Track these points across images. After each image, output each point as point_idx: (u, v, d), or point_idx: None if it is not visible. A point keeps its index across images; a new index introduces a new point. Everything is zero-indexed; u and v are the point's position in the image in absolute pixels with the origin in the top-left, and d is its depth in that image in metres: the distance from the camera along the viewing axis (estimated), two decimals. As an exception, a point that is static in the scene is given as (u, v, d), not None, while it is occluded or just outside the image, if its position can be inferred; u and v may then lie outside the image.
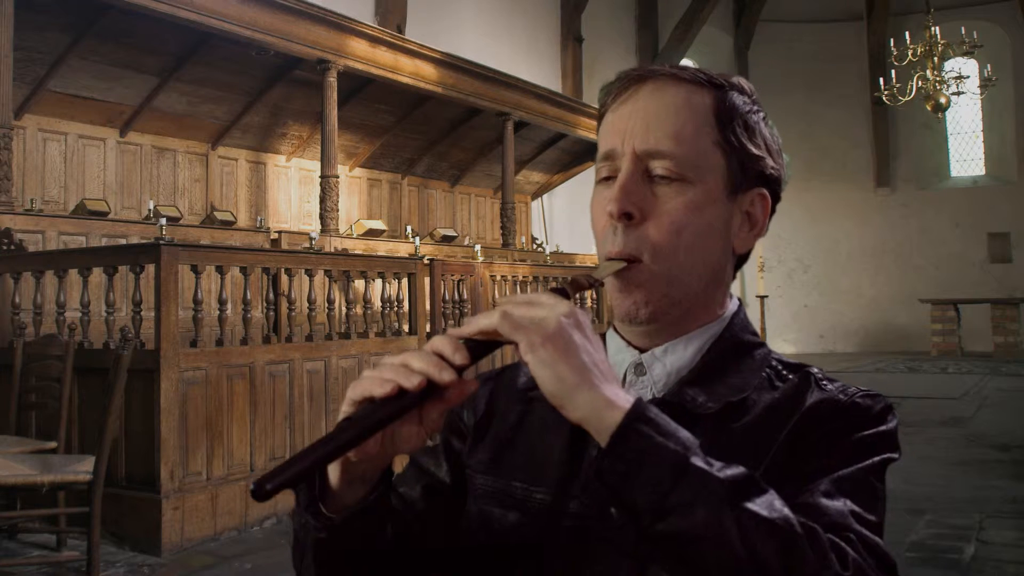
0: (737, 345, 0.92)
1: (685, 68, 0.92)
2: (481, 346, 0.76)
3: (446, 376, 0.73)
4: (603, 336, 0.97)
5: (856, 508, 0.78)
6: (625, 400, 0.73)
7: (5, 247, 5.06)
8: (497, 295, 7.27)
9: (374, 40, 7.84)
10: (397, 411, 0.73)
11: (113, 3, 5.94)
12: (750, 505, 0.70)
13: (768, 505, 0.71)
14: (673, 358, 0.90)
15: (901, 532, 4.17)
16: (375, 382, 0.74)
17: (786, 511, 0.72)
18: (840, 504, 0.77)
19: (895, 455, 0.84)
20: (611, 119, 0.91)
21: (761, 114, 0.93)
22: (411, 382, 0.73)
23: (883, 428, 0.84)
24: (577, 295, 0.84)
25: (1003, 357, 14.04)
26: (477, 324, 0.76)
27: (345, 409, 0.76)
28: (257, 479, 0.68)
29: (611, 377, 0.75)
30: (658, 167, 0.87)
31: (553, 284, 7.98)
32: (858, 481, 0.80)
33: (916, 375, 12.11)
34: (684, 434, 0.73)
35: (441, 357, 0.75)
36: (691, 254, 0.88)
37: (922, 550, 4.04)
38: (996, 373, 11.82)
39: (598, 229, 0.91)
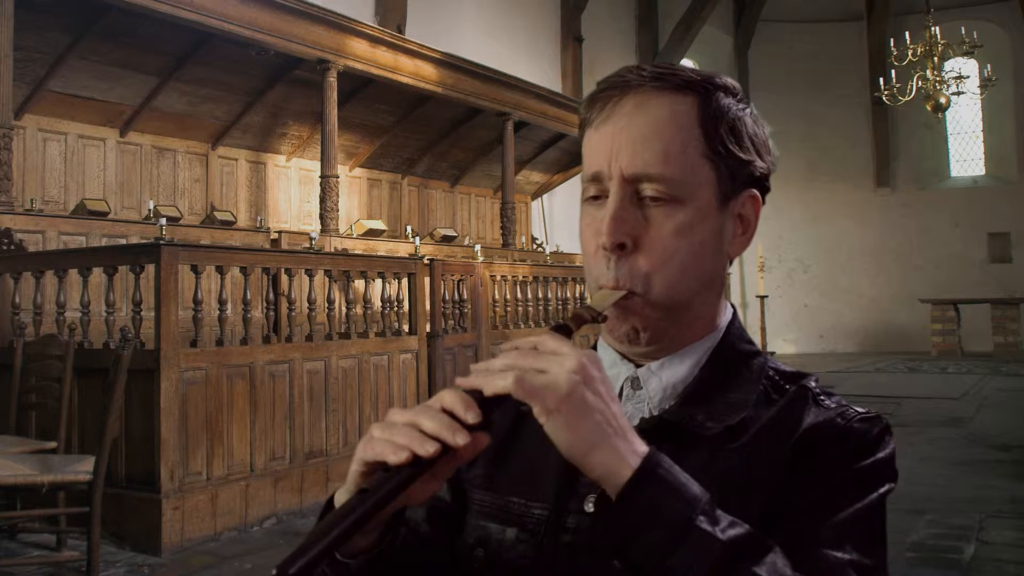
0: (735, 357, 0.91)
1: (665, 74, 0.88)
2: (492, 403, 0.74)
3: (460, 440, 0.72)
4: (593, 348, 0.96)
5: (855, 557, 0.78)
6: (636, 456, 0.73)
7: (5, 247, 5.06)
8: (497, 295, 7.27)
9: (374, 40, 7.84)
10: (411, 477, 0.73)
11: (113, 3, 5.94)
12: (754, 568, 0.71)
13: (771, 567, 0.72)
14: (669, 372, 0.90)
15: (901, 532, 4.16)
16: (388, 447, 0.72)
17: (788, 573, 0.72)
18: (840, 554, 0.77)
19: (893, 484, 0.84)
20: (595, 138, 0.90)
21: (747, 110, 0.91)
22: (425, 450, 0.71)
23: (881, 455, 0.84)
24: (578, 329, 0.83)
25: (1003, 357, 14.05)
26: (490, 385, 0.73)
27: (355, 468, 0.75)
28: (279, 564, 0.67)
29: (624, 430, 0.74)
30: (648, 189, 0.86)
31: (554, 284, 7.99)
32: (858, 523, 0.80)
33: (916, 375, 12.11)
34: (692, 491, 0.73)
35: (453, 416, 0.73)
36: (686, 275, 0.87)
37: (922, 550, 4.04)
38: (996, 373, 11.82)
39: (589, 253, 0.90)
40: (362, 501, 0.72)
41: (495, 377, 0.73)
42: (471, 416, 0.73)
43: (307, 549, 0.68)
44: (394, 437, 0.73)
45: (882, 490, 0.83)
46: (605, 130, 0.89)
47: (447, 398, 0.74)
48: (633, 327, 0.88)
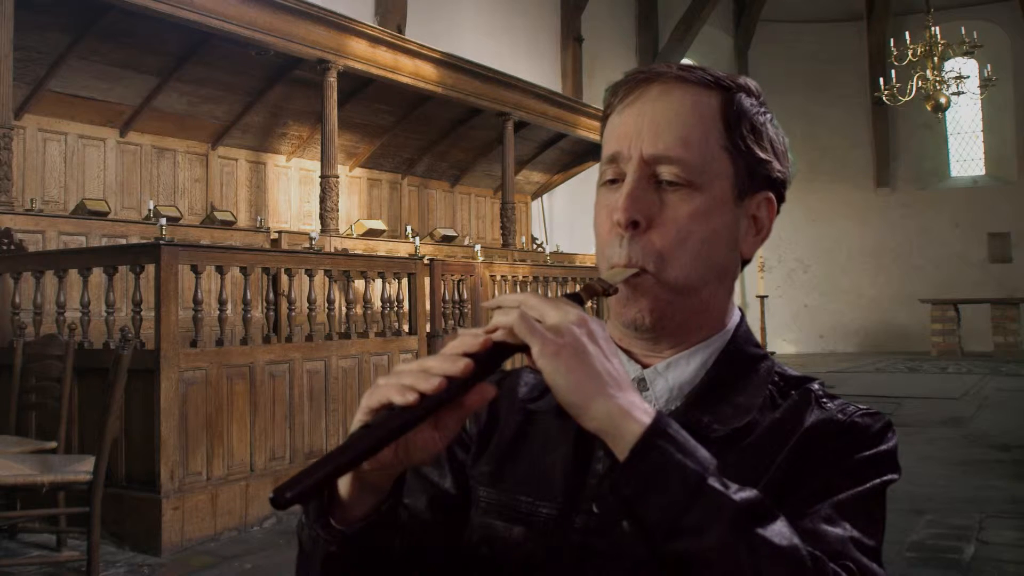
0: (742, 359, 0.91)
1: (692, 69, 0.90)
2: (496, 350, 0.75)
3: (460, 364, 0.73)
4: None
5: (856, 535, 0.78)
6: (643, 412, 0.73)
7: (5, 247, 5.06)
8: (497, 295, 7.26)
9: (374, 40, 7.84)
10: (417, 417, 0.72)
11: (113, 3, 5.94)
12: (762, 531, 0.70)
13: (779, 532, 0.71)
14: (675, 373, 0.90)
15: (901, 532, 4.16)
16: (394, 389, 0.73)
17: (795, 540, 0.72)
18: (840, 531, 0.77)
19: (895, 476, 0.84)
20: (617, 121, 0.90)
21: (768, 115, 0.92)
22: (431, 384, 0.72)
23: (883, 448, 0.84)
24: (589, 301, 0.84)
25: (1003, 357, 14.04)
26: (494, 320, 0.75)
27: (360, 417, 0.75)
28: (277, 487, 0.67)
29: (626, 385, 0.74)
30: (665, 173, 0.86)
31: (554, 284, 8.00)
32: (859, 505, 0.80)
33: (916, 375, 12.11)
34: (702, 453, 0.73)
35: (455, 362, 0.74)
36: (697, 261, 0.87)
37: (922, 550, 4.03)
38: (996, 373, 11.82)
39: (602, 233, 0.90)
40: (365, 435, 0.71)
41: (501, 314, 0.75)
42: (476, 346, 0.74)
43: (306, 477, 0.68)
44: (400, 380, 0.74)
45: (884, 478, 0.83)
46: (628, 113, 0.89)
47: (452, 343, 0.76)
48: (640, 310, 0.87)
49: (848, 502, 0.79)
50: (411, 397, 0.72)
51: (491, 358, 0.75)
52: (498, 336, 0.75)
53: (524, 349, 0.74)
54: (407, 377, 0.73)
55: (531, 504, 0.89)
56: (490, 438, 0.96)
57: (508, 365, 0.95)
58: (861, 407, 0.87)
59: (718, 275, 0.90)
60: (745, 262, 0.94)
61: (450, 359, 0.74)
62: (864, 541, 0.78)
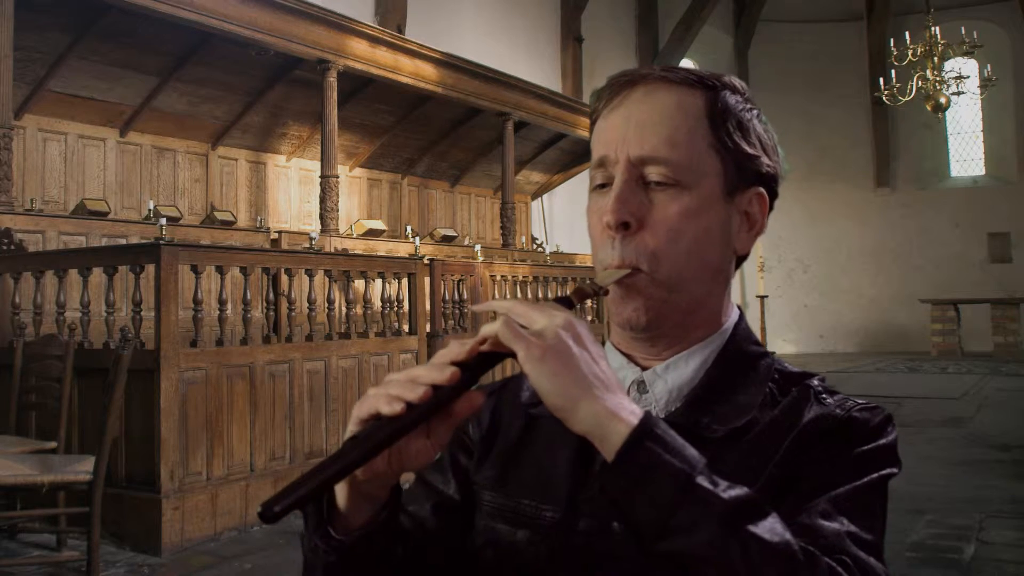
0: (741, 358, 0.91)
1: (676, 69, 0.91)
2: (484, 358, 0.75)
3: (447, 372, 0.73)
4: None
5: (853, 529, 0.77)
6: (631, 413, 0.73)
7: (5, 247, 5.06)
8: (497, 295, 7.27)
9: (374, 40, 7.84)
10: (405, 426, 0.73)
11: (113, 3, 5.94)
12: (753, 529, 0.70)
13: (770, 529, 0.71)
14: (675, 374, 0.90)
15: (901, 532, 4.16)
16: (381, 399, 0.73)
17: (787, 536, 0.71)
18: (837, 525, 0.77)
19: (895, 469, 0.83)
20: (603, 125, 0.91)
21: (755, 111, 0.92)
22: (417, 393, 0.73)
23: (882, 441, 0.83)
24: (580, 304, 0.84)
25: (1003, 357, 14.05)
26: (481, 331, 0.76)
27: (351, 428, 0.75)
28: (265, 501, 0.67)
29: (614, 387, 0.74)
30: (653, 173, 0.87)
31: (554, 284, 7.99)
32: (857, 499, 0.79)
33: (916, 375, 12.11)
34: (691, 452, 0.73)
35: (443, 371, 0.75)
36: (691, 259, 0.87)
37: (922, 550, 4.04)
38: (996, 373, 11.82)
39: (595, 237, 0.90)
40: (353, 447, 0.71)
41: (488, 325, 0.75)
42: (462, 354, 0.75)
43: (294, 490, 0.68)
44: (388, 390, 0.74)
45: (883, 472, 0.82)
46: (614, 117, 0.90)
47: (439, 353, 0.77)
48: (635, 309, 0.88)
49: (846, 496, 0.79)
50: (398, 407, 0.72)
51: (479, 365, 0.75)
52: (486, 345, 0.75)
53: (512, 355, 0.74)
54: (394, 387, 0.74)
55: (534, 507, 0.89)
56: (492, 443, 0.96)
57: (510, 370, 0.96)
58: (860, 402, 0.87)
59: (712, 272, 0.90)
60: (741, 259, 0.94)
61: (437, 368, 0.74)
62: (861, 535, 0.77)
